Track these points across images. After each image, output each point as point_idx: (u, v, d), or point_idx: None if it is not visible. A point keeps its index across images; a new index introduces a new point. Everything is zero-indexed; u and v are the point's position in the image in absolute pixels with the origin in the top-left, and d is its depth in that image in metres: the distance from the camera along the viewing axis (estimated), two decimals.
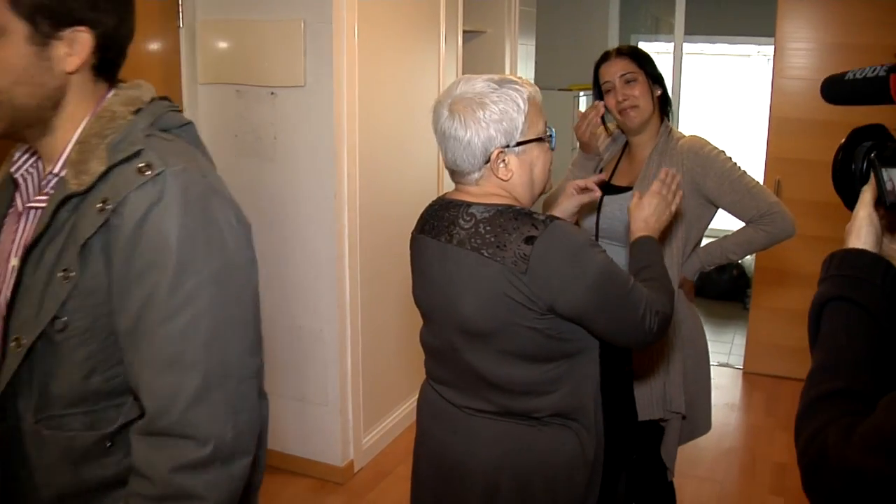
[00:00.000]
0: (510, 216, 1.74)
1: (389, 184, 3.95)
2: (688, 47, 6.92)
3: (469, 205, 1.79)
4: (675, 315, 2.46)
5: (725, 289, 6.39)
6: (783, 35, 4.70)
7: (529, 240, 1.68)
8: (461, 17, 4.51)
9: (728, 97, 7.99)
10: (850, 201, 1.26)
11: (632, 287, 1.77)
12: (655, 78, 2.56)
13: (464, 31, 4.60)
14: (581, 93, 6.79)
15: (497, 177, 1.77)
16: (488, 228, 1.73)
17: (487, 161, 1.75)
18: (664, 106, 2.60)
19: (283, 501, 3.63)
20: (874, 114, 1.35)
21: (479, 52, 5.19)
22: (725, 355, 5.42)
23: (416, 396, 4.26)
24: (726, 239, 2.60)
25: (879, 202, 1.20)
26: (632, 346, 2.02)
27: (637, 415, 2.56)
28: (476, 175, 1.78)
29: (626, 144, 2.68)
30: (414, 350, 4.24)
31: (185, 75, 3.64)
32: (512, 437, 1.83)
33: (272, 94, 3.53)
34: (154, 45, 3.52)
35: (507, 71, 5.20)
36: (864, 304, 1.14)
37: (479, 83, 1.76)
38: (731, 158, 2.52)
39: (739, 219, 2.55)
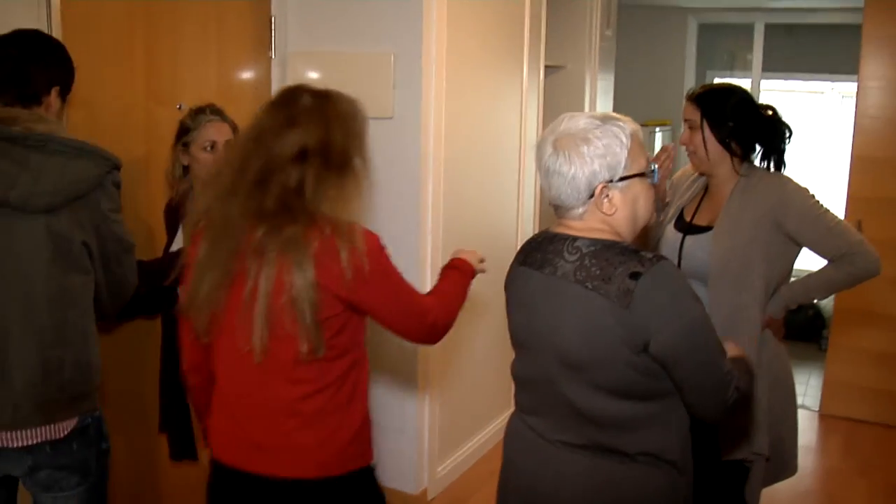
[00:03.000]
0: (617, 251, 1.76)
1: (471, 215, 4.01)
2: (765, 84, 6.89)
3: (575, 238, 1.81)
4: (764, 352, 2.46)
5: (800, 329, 6.30)
6: (866, 73, 4.66)
7: (635, 275, 1.70)
8: (543, 52, 4.57)
9: (803, 134, 7.88)
10: None
11: (721, 351, 1.80)
12: (720, 127, 2.49)
13: (545, 66, 4.66)
14: (657, 128, 6.79)
15: (601, 212, 1.80)
16: (594, 262, 1.75)
17: (591, 196, 1.78)
18: (742, 150, 2.54)
19: None
20: None
21: (559, 86, 5.24)
22: (801, 396, 5.32)
23: (494, 425, 4.31)
24: (809, 278, 2.57)
25: None
26: (705, 414, 1.86)
27: (720, 454, 2.53)
28: (580, 210, 1.80)
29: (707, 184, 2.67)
30: (493, 378, 4.32)
31: None
32: (601, 471, 1.83)
33: None
34: (246, 75, 3.63)
35: (587, 106, 5.25)
36: None
37: (583, 120, 1.79)
38: (814, 196, 2.50)
39: (822, 257, 2.52)
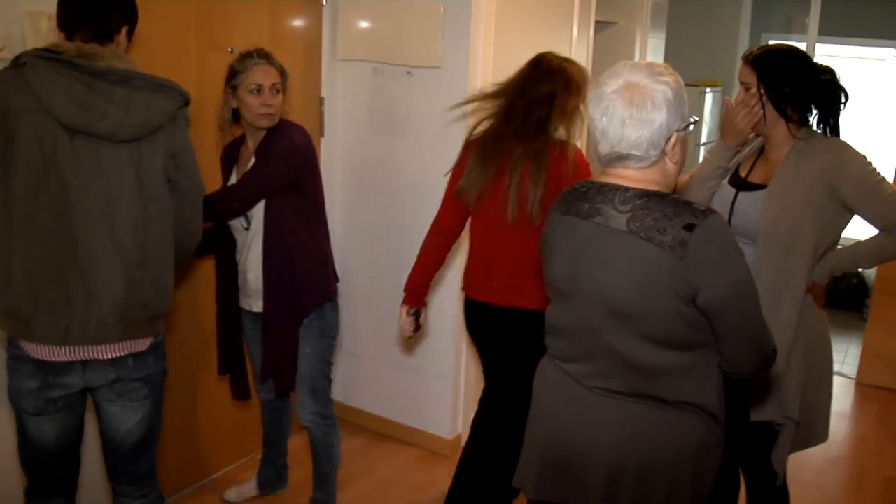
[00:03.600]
0: (669, 202, 1.79)
1: None
2: (821, 48, 6.75)
3: (627, 189, 1.84)
4: (804, 317, 2.46)
5: (843, 297, 6.26)
6: None
7: (689, 227, 1.73)
8: (594, 7, 4.55)
9: (862, 101, 7.74)
10: None
11: (760, 308, 1.85)
12: (776, 90, 2.48)
13: (596, 21, 4.64)
14: (708, 89, 6.71)
15: (669, 161, 1.85)
16: (647, 212, 1.78)
17: (664, 145, 1.83)
18: (802, 113, 2.52)
19: (390, 467, 3.78)
20: None
21: (609, 42, 5.22)
22: (839, 364, 5.31)
23: None
24: (858, 245, 2.56)
25: None
26: (741, 367, 1.90)
27: (749, 415, 2.56)
28: (647, 161, 1.84)
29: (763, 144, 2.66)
30: None
31: (326, 51, 3.81)
32: (642, 418, 1.87)
33: (408, 73, 3.66)
34: (298, 22, 3.69)
35: None
36: None
37: (641, 69, 1.83)
38: (871, 164, 2.46)
39: (874, 225, 2.50)
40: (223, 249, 3.03)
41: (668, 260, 1.74)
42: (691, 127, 1.90)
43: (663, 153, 1.83)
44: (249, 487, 3.50)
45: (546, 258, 2.01)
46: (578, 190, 1.94)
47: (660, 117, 1.79)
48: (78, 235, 2.15)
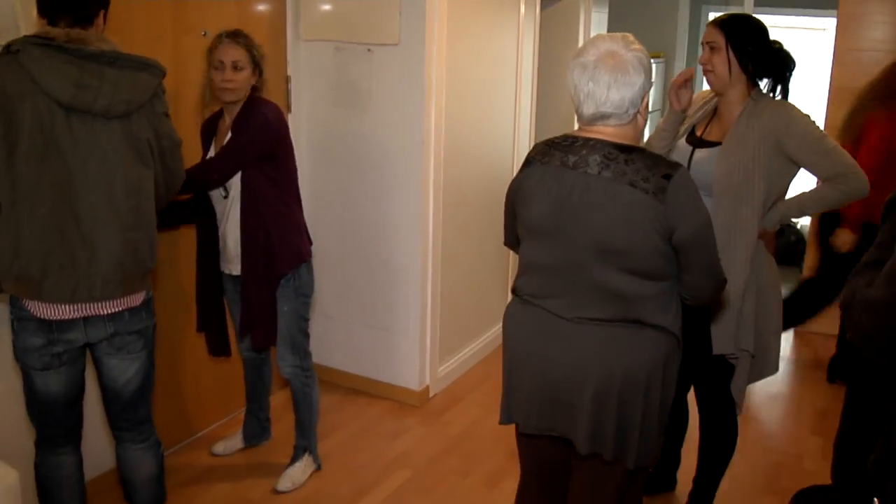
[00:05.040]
0: (647, 156, 2.11)
1: (471, 134, 4.33)
2: (765, 19, 7.01)
3: (610, 143, 2.14)
4: (756, 260, 2.77)
5: (784, 253, 6.58)
6: (847, 3, 4.93)
7: (667, 176, 2.06)
8: None
9: (807, 70, 8.01)
10: None
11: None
12: (741, 50, 2.74)
13: None
14: (652, 60, 6.97)
15: (640, 118, 2.18)
16: (631, 164, 2.08)
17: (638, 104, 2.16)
18: (756, 74, 2.79)
19: (365, 419, 4.07)
20: None
21: (555, 18, 5.46)
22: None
23: (490, 332, 4.65)
24: (804, 194, 2.82)
25: None
26: (701, 293, 2.25)
27: (711, 349, 2.83)
28: (627, 117, 2.14)
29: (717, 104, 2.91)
30: (491, 289, 4.65)
31: (290, 33, 4.05)
32: (621, 337, 2.17)
33: (369, 50, 3.91)
34: (263, 5, 3.91)
35: (581, 40, 5.46)
36: None
37: (618, 40, 2.14)
38: (814, 122, 2.74)
39: (817, 177, 2.77)
40: (203, 218, 3.28)
41: (651, 203, 2.05)
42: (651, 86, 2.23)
43: (637, 111, 2.15)
44: (235, 441, 3.75)
45: (523, 202, 2.26)
46: (561, 144, 2.21)
47: (639, 80, 2.10)
48: (79, 204, 2.38)
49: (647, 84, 2.14)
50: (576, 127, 2.27)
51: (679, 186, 2.06)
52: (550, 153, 2.22)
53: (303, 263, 3.28)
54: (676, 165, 2.10)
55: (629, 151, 2.11)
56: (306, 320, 3.38)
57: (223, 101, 3.12)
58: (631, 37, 2.17)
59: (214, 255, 3.31)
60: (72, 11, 2.40)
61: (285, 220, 3.19)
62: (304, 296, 3.33)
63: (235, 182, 3.12)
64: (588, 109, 2.15)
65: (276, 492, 3.43)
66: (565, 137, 2.23)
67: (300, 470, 3.51)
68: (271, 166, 3.12)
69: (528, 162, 2.28)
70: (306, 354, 3.41)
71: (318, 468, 3.59)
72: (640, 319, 2.16)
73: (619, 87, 2.09)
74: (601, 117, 2.15)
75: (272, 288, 3.23)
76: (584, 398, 2.18)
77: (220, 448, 3.73)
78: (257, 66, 3.12)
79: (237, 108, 3.11)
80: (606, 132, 2.16)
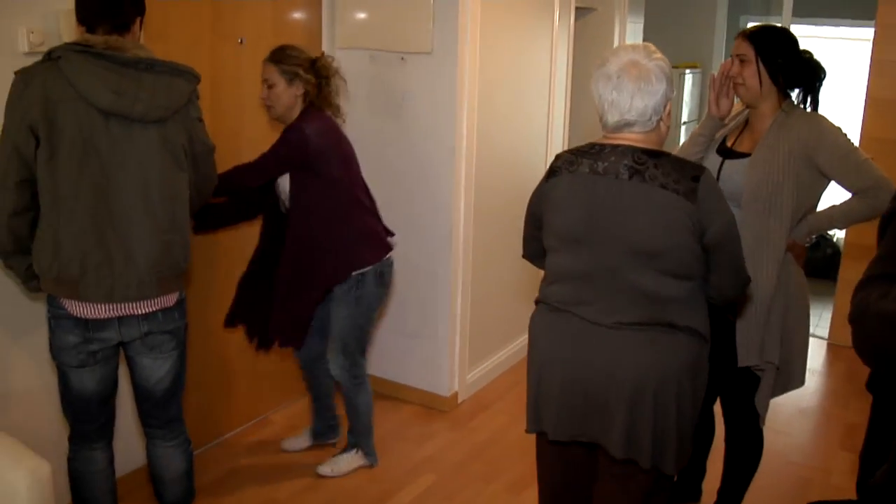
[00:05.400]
0: (672, 159, 2.18)
1: (503, 142, 4.36)
2: (803, 29, 6.96)
3: (638, 149, 2.20)
4: (784, 273, 2.77)
5: (819, 266, 6.57)
6: (885, 13, 4.90)
7: (695, 178, 2.13)
8: None
9: (844, 80, 7.93)
10: None
11: None
12: (771, 62, 2.75)
13: (576, 8, 4.93)
14: (687, 70, 6.95)
15: (664, 125, 2.24)
16: (661, 168, 2.15)
17: (661, 110, 2.22)
18: (787, 85, 2.79)
19: (393, 423, 4.11)
20: None
21: (589, 28, 5.50)
22: (814, 327, 5.62)
23: (519, 341, 4.66)
24: (833, 208, 2.81)
25: None
26: (727, 292, 2.30)
27: (737, 361, 2.81)
28: (650, 125, 2.21)
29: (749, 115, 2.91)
30: (521, 298, 4.67)
31: (326, 40, 4.11)
32: (656, 341, 2.19)
33: (402, 59, 3.97)
34: (299, 14, 3.98)
35: None
36: None
37: (640, 50, 2.20)
38: (846, 135, 2.73)
39: (847, 190, 2.75)
40: (269, 222, 3.43)
41: (684, 205, 2.11)
42: (673, 94, 2.27)
43: (660, 118, 2.22)
44: (303, 438, 3.85)
45: (553, 211, 2.30)
46: (588, 152, 2.26)
47: (661, 88, 2.17)
48: (116, 207, 2.44)
49: (670, 92, 2.20)
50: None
51: (708, 187, 2.13)
52: (578, 161, 2.26)
53: (365, 271, 3.32)
54: (702, 168, 2.17)
55: (657, 156, 2.17)
56: (364, 330, 3.45)
57: (271, 118, 3.31)
58: (652, 46, 2.22)
59: (268, 257, 3.41)
60: (109, 19, 2.47)
61: (339, 231, 3.26)
62: (366, 306, 3.39)
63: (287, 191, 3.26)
64: (612, 118, 2.21)
65: (317, 473, 3.58)
66: (591, 146, 2.27)
67: (345, 461, 3.62)
68: (316, 177, 3.20)
69: (553, 171, 2.31)
70: (357, 361, 3.48)
71: (371, 465, 3.67)
72: (672, 322, 2.20)
73: (642, 96, 2.16)
74: (626, 125, 2.21)
75: (312, 296, 3.32)
76: (620, 402, 2.21)
77: (287, 444, 3.84)
78: (296, 78, 3.19)
79: (291, 122, 3.24)
80: (632, 138, 2.22)
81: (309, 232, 3.23)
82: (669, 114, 2.26)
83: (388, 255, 3.41)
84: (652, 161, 2.16)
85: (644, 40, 6.08)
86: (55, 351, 2.58)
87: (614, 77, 2.17)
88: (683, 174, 2.13)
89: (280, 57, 3.19)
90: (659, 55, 2.20)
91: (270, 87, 3.18)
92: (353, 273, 3.30)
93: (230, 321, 3.51)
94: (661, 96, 2.18)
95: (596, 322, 2.23)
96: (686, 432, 2.28)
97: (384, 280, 3.41)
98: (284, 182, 3.26)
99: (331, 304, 3.38)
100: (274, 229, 3.38)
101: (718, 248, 2.19)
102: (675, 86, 6.81)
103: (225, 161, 3.24)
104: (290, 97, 3.20)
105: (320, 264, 3.26)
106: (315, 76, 3.23)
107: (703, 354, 2.29)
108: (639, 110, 2.17)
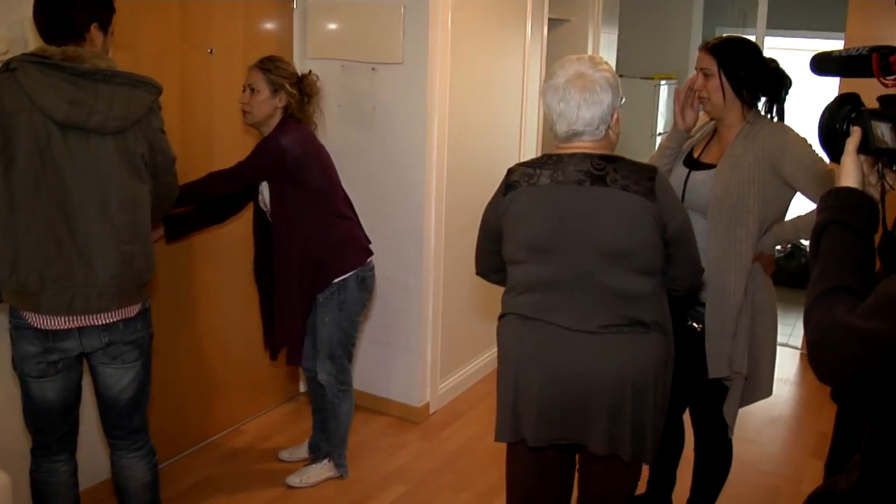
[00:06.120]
0: (628, 162, 2.26)
1: (474, 152, 4.37)
2: (777, 42, 6.98)
3: (596, 155, 2.26)
4: (752, 283, 2.78)
5: (794, 275, 6.60)
6: (854, 24, 4.94)
7: (651, 178, 2.23)
8: (547, 5, 4.87)
9: (816, 91, 7.97)
10: (835, 155, 1.60)
11: None
12: (734, 75, 2.73)
13: (549, 19, 4.94)
14: (662, 81, 6.98)
15: (612, 133, 2.30)
16: (620, 171, 2.23)
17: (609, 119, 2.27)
18: (751, 96, 2.77)
19: (366, 434, 4.09)
20: None
21: (563, 39, 5.52)
22: (787, 336, 5.68)
23: (490, 353, 4.64)
24: (799, 218, 2.80)
25: (863, 149, 1.54)
26: (686, 284, 2.41)
27: (705, 372, 2.81)
28: (599, 134, 2.27)
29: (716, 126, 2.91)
30: (491, 308, 4.65)
31: (297, 51, 4.12)
32: (631, 342, 2.26)
33: (373, 69, 3.97)
34: (270, 24, 3.98)
35: None
36: (856, 226, 1.50)
37: (585, 62, 2.26)
38: (811, 146, 2.71)
39: (811, 200, 2.71)
40: (259, 230, 3.45)
41: (647, 204, 2.19)
42: (622, 102, 2.32)
43: (608, 127, 2.27)
44: (301, 450, 3.83)
45: (516, 224, 2.32)
46: (545, 163, 2.30)
47: (607, 98, 2.23)
48: (75, 218, 2.43)
49: (616, 102, 2.26)
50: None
51: (663, 185, 2.25)
52: (537, 173, 2.29)
53: (347, 277, 3.35)
54: (654, 168, 2.28)
55: (614, 161, 2.26)
56: (349, 336, 3.47)
57: (245, 123, 3.31)
58: (598, 57, 2.28)
59: (266, 263, 3.43)
60: (60, 30, 2.45)
61: (320, 239, 3.28)
62: (351, 311, 3.41)
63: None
64: (562, 128, 2.27)
65: (287, 484, 3.57)
66: (548, 157, 2.32)
67: (315, 471, 3.61)
68: (296, 187, 3.22)
69: (511, 185, 2.34)
70: (344, 368, 3.49)
71: (341, 477, 3.65)
72: (641, 320, 2.26)
73: (588, 107, 2.22)
74: (574, 135, 2.27)
75: (305, 304, 3.34)
76: (600, 403, 2.26)
77: (286, 455, 3.83)
78: (281, 90, 3.20)
79: (267, 131, 3.24)
80: (584, 146, 2.28)
81: (289, 242, 3.25)
82: (618, 121, 2.32)
83: (368, 260, 3.43)
84: (611, 166, 2.23)
85: (619, 52, 6.14)
86: (17, 361, 2.56)
87: (561, 88, 2.24)
88: (641, 175, 2.22)
89: (269, 66, 3.21)
90: (605, 66, 2.27)
91: (254, 92, 3.19)
92: (335, 280, 3.32)
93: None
94: (608, 106, 2.24)
95: (571, 328, 2.26)
96: (659, 423, 2.37)
97: (366, 285, 3.43)
98: (266, 193, 3.28)
99: (315, 312, 3.40)
100: (264, 237, 3.40)
101: (678, 242, 2.28)
102: (650, 97, 6.95)
103: (195, 170, 3.25)
104: (270, 107, 3.21)
105: (304, 273, 3.28)
106: (299, 92, 3.26)
107: (670, 347, 2.37)
108: (586, 120, 2.23)
